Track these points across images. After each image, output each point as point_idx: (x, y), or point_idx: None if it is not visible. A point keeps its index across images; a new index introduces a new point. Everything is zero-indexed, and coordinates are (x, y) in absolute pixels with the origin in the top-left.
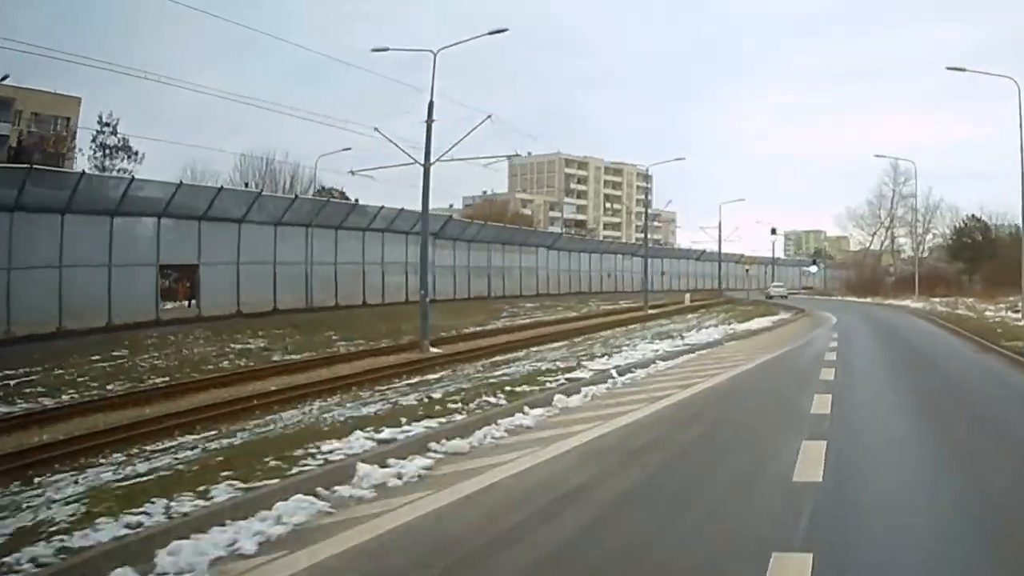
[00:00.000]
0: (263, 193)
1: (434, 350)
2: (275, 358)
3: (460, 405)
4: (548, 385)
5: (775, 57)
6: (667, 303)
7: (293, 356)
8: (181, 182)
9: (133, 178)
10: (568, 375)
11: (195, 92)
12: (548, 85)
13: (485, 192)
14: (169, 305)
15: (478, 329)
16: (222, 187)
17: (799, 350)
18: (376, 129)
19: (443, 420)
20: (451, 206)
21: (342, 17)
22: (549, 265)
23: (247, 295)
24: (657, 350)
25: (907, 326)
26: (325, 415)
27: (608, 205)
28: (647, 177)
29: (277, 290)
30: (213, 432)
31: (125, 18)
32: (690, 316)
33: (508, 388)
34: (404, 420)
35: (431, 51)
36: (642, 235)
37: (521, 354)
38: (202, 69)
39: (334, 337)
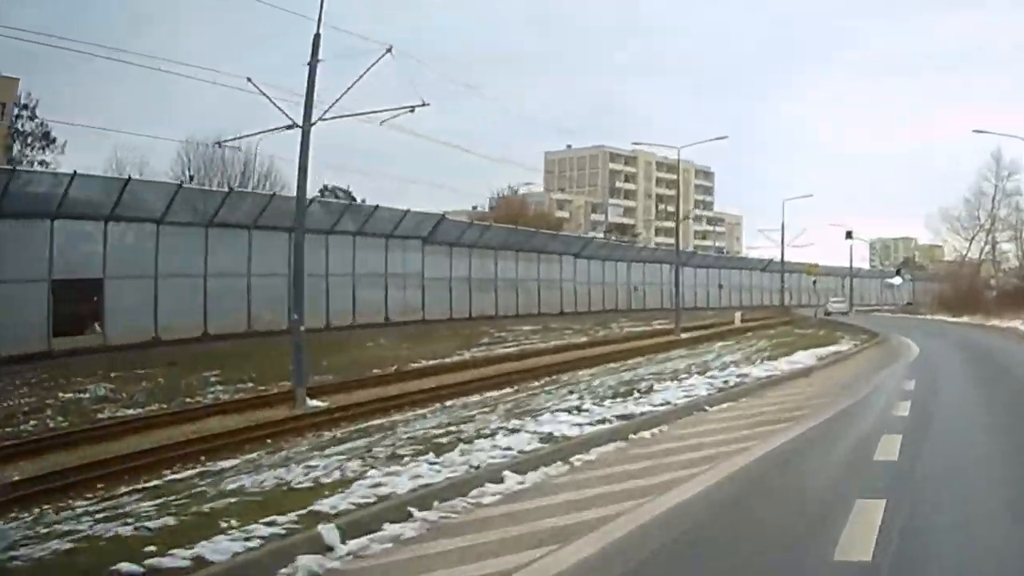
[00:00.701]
0: (184, 185)
1: (314, 403)
2: (103, 415)
3: None
4: None
5: (850, 42)
6: (713, 323)
7: (129, 411)
8: (75, 172)
9: (15, 168)
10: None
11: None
12: (593, 76)
13: (515, 191)
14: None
15: (429, 364)
16: (130, 177)
17: (834, 428)
18: (248, 80)
19: None
20: (475, 207)
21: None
22: (577, 277)
23: (169, 317)
24: (551, 435)
25: None
26: None
27: (661, 206)
28: (707, 175)
29: (209, 310)
30: None
31: None
32: (720, 344)
33: None
34: None
35: None
36: (701, 241)
37: (425, 411)
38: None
39: (213, 379)
